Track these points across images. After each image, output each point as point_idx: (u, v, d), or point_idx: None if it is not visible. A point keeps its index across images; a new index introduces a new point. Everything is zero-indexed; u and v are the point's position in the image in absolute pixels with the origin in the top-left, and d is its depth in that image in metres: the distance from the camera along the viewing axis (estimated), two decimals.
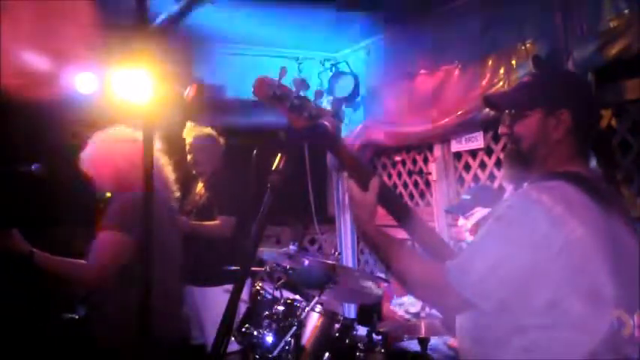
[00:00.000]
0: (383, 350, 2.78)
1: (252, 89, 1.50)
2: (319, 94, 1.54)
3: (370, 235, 1.61)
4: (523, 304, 1.42)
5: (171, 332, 2.60)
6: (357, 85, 4.59)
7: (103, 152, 2.64)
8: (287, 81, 1.51)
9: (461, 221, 3.06)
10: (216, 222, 3.83)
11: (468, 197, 3.06)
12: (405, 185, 4.60)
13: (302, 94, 1.52)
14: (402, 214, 1.73)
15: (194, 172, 4.08)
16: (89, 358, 2.46)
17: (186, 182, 4.20)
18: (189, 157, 4.03)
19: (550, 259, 1.38)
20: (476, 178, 3.92)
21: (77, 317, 2.60)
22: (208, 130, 4.06)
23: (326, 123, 1.53)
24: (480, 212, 2.92)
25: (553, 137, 1.56)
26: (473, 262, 1.44)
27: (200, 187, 4.09)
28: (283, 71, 1.49)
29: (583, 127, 1.57)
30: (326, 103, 4.64)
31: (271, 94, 1.49)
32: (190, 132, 4.04)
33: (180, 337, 2.67)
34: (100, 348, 2.44)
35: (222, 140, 4.08)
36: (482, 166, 3.86)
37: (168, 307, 2.60)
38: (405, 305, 3.25)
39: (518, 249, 1.40)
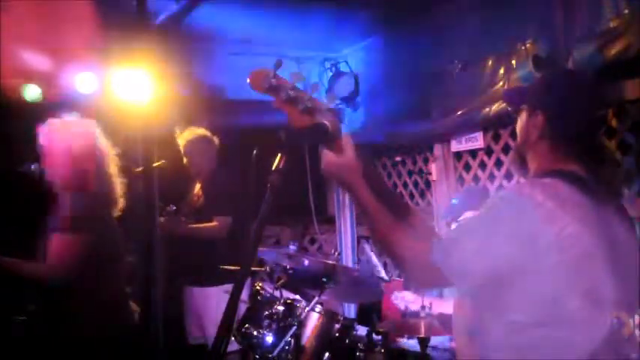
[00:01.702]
0: (383, 350, 2.78)
1: (248, 81, 1.49)
2: (315, 87, 1.53)
3: (359, 196, 1.55)
4: (515, 300, 1.42)
5: (122, 319, 2.73)
6: (357, 85, 4.59)
7: (58, 148, 2.67)
8: (284, 75, 1.51)
9: (453, 226, 3.06)
10: (213, 223, 3.83)
11: (456, 201, 3.06)
12: (405, 185, 4.60)
13: (298, 86, 1.51)
14: (396, 208, 1.72)
15: (192, 173, 4.08)
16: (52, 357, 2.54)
17: (184, 184, 4.21)
18: (184, 159, 4.03)
19: (538, 254, 1.38)
20: (476, 178, 3.92)
21: (27, 318, 2.65)
22: (202, 131, 4.06)
23: (326, 122, 1.52)
24: (470, 215, 2.92)
25: (532, 137, 1.61)
26: (457, 244, 1.45)
27: (197, 188, 4.09)
28: (279, 63, 1.48)
29: (562, 131, 1.57)
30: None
31: (267, 85, 1.48)
32: (184, 134, 4.04)
33: (131, 328, 2.78)
34: (64, 345, 2.52)
35: (216, 140, 4.08)
36: (482, 166, 3.86)
37: (120, 298, 2.74)
38: (405, 300, 3.23)
39: (503, 239, 1.41)
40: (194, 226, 3.85)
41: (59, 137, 2.68)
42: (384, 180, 1.90)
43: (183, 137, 4.04)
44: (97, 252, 2.56)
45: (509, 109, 1.72)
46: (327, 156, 1.56)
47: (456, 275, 1.44)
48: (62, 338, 2.53)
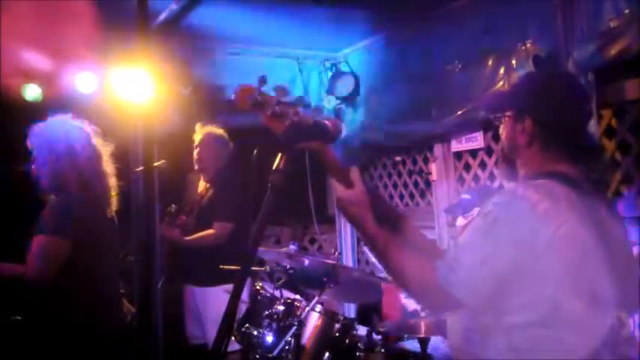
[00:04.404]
0: (383, 350, 2.78)
1: (233, 98, 1.50)
2: (300, 99, 1.54)
3: (367, 230, 1.59)
4: (513, 301, 1.42)
5: (113, 320, 2.77)
6: (357, 85, 4.58)
7: (41, 149, 2.68)
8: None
9: (459, 221, 3.06)
10: (210, 231, 3.82)
11: (469, 197, 3.05)
12: (405, 185, 4.60)
13: (283, 100, 1.52)
14: (391, 217, 1.73)
15: (197, 167, 4.08)
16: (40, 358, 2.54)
17: (184, 181, 4.22)
18: (195, 152, 4.04)
19: (537, 255, 1.38)
20: (476, 177, 3.92)
21: (20, 318, 2.67)
22: (220, 131, 4.07)
23: (326, 122, 1.52)
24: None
25: (519, 142, 1.59)
26: (460, 260, 1.44)
27: (202, 186, 4.09)
28: (263, 79, 1.49)
29: (552, 133, 1.57)
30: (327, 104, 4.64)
31: (251, 102, 1.49)
32: (202, 129, 4.05)
33: (121, 323, 2.84)
34: (50, 346, 2.53)
35: (230, 144, 4.09)
36: (483, 165, 3.86)
37: (111, 299, 2.77)
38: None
39: (504, 245, 1.40)
40: (191, 238, 3.84)
41: (41, 138, 2.68)
42: (384, 199, 1.92)
43: (201, 131, 4.05)
44: (82, 253, 2.55)
45: (491, 116, 1.70)
46: (338, 190, 1.61)
47: (465, 293, 1.42)
48: (48, 339, 2.53)
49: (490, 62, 3.42)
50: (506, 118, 1.64)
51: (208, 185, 4.05)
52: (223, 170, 4.04)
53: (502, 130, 1.67)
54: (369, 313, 4.23)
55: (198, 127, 4.06)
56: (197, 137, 4.05)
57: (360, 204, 1.60)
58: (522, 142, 1.59)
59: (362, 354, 2.76)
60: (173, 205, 3.78)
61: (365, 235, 1.61)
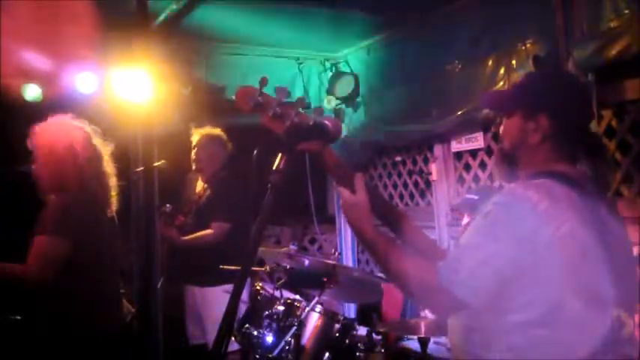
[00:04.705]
0: (383, 350, 2.78)
1: (234, 99, 1.51)
2: (300, 100, 1.55)
3: (367, 235, 1.60)
4: (514, 300, 1.42)
5: (113, 320, 2.78)
6: (357, 85, 4.58)
7: (40, 149, 2.68)
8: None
9: (465, 220, 3.05)
10: (209, 231, 3.83)
11: (476, 197, 3.05)
12: (405, 185, 4.60)
13: (284, 101, 1.52)
14: (391, 217, 1.73)
15: (194, 168, 4.08)
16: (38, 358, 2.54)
17: (182, 181, 4.22)
18: (192, 152, 4.05)
19: (537, 255, 1.38)
20: (476, 177, 3.92)
21: (20, 318, 2.68)
22: (218, 132, 4.08)
23: (327, 122, 1.52)
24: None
25: (531, 141, 1.57)
26: (462, 261, 1.44)
27: (200, 186, 4.09)
28: (264, 80, 1.49)
29: (564, 132, 1.56)
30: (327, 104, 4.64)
31: (253, 103, 1.50)
32: (199, 130, 4.06)
33: (121, 323, 2.86)
34: (48, 346, 2.52)
35: (229, 145, 4.09)
36: (483, 166, 3.86)
37: (111, 299, 2.77)
38: None
39: (505, 245, 1.40)
40: (189, 237, 3.85)
41: (42, 138, 2.69)
42: (385, 199, 1.93)
43: (198, 132, 4.05)
44: (82, 252, 2.55)
45: (496, 113, 1.70)
46: (345, 194, 1.62)
47: (467, 294, 1.42)
48: (48, 339, 2.53)
49: (490, 62, 3.42)
50: (513, 117, 1.61)
51: (206, 185, 4.06)
52: (221, 170, 4.04)
53: (502, 129, 1.66)
54: (369, 313, 4.23)
55: (194, 128, 4.07)
56: (194, 138, 4.05)
57: (361, 210, 1.60)
58: (534, 141, 1.56)
59: (362, 354, 2.77)
60: (167, 205, 3.78)
61: (364, 240, 1.61)
